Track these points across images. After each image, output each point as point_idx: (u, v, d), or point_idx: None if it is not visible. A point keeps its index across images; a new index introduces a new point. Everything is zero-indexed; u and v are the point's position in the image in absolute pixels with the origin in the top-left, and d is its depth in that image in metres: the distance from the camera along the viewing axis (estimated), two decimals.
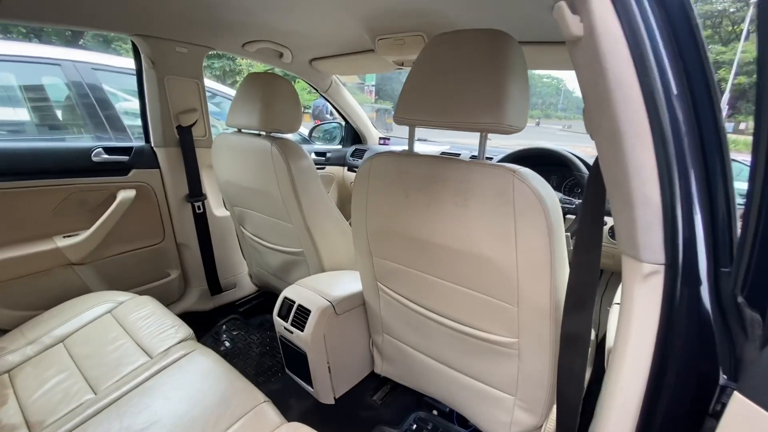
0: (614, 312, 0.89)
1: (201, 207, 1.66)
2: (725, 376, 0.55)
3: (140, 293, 1.32)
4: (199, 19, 1.27)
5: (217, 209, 1.76)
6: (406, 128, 0.91)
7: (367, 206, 0.98)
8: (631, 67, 0.47)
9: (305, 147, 2.23)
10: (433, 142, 2.36)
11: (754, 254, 0.48)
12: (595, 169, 0.61)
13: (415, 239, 0.90)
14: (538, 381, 0.89)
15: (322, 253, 1.38)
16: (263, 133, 1.30)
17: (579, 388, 0.76)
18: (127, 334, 1.14)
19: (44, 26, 1.80)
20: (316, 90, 2.00)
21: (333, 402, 1.25)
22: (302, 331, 1.13)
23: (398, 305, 1.08)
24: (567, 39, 0.51)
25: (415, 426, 1.28)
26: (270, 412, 0.89)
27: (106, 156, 1.41)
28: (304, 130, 2.60)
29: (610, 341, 0.77)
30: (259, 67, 1.76)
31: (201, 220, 1.67)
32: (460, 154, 2.04)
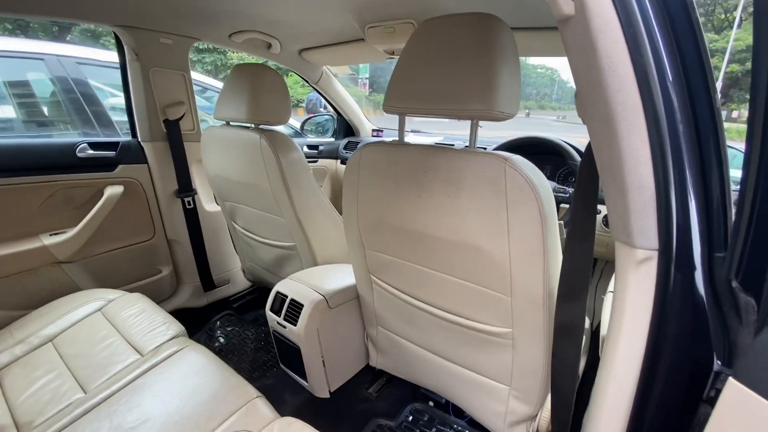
0: (608, 300, 0.88)
1: (191, 202, 1.63)
2: (719, 362, 0.55)
3: (131, 291, 1.30)
4: (183, 9, 1.24)
5: (207, 204, 1.73)
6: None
7: (358, 198, 0.96)
8: (624, 47, 0.46)
9: (297, 140, 2.20)
10: (426, 133, 2.34)
11: (748, 238, 0.47)
12: (587, 154, 0.60)
13: (407, 231, 0.89)
14: (532, 371, 0.89)
15: (315, 246, 1.37)
16: (252, 125, 1.27)
17: (573, 376, 0.75)
18: (117, 332, 1.12)
19: (23, 18, 1.74)
20: (307, 82, 1.97)
21: (328, 396, 1.24)
22: (295, 325, 1.12)
23: (392, 298, 1.07)
24: (558, 18, 0.50)
25: (411, 417, 1.27)
26: (263, 407, 0.88)
27: (91, 152, 1.37)
28: (296, 123, 2.57)
29: (604, 330, 0.76)
30: (250, 60, 1.73)
31: (191, 216, 1.65)
32: (453, 145, 2.03)
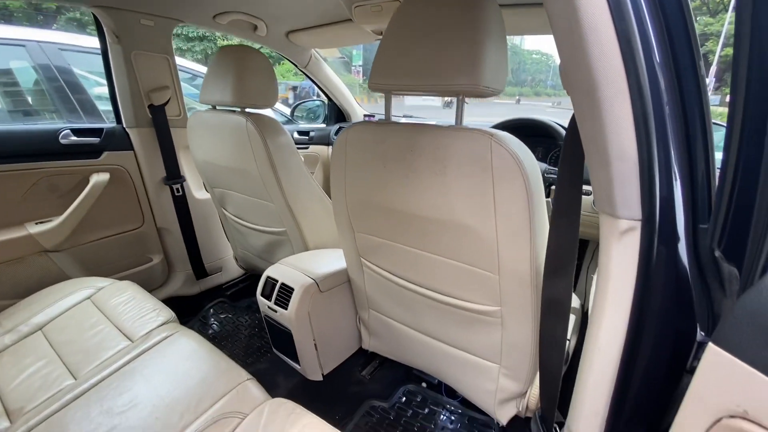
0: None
1: (180, 189, 1.61)
2: (702, 333, 0.55)
3: (122, 279, 1.29)
4: None
5: (197, 192, 1.71)
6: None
7: (345, 179, 0.95)
8: (607, 11, 0.44)
9: (288, 127, 2.17)
10: (417, 118, 2.32)
11: (731, 206, 0.47)
12: (571, 126, 0.59)
13: (395, 211, 0.88)
14: (521, 348, 0.89)
15: (306, 232, 1.36)
16: (238, 109, 1.25)
17: (560, 352, 0.76)
18: (107, 319, 1.12)
19: (1, 1, 1.69)
20: (296, 66, 1.93)
21: (321, 379, 1.25)
22: (286, 309, 1.12)
23: (383, 280, 1.07)
24: None
25: (404, 399, 1.29)
26: (254, 389, 0.89)
27: (75, 138, 1.35)
28: (285, 109, 2.54)
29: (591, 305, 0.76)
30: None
31: (181, 203, 1.63)
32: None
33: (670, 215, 0.51)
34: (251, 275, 1.98)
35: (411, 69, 0.74)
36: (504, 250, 0.76)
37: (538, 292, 0.78)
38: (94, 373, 0.94)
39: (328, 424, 0.79)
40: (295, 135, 2.31)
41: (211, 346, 1.01)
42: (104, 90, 2.18)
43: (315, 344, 1.18)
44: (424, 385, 1.33)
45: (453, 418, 1.22)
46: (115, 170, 1.46)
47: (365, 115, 2.36)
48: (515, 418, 1.04)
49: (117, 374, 0.93)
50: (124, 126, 1.49)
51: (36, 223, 1.33)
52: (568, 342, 1.05)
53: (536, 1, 1.12)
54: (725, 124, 0.47)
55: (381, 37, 1.51)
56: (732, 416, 0.39)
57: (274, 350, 1.32)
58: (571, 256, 0.68)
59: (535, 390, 0.96)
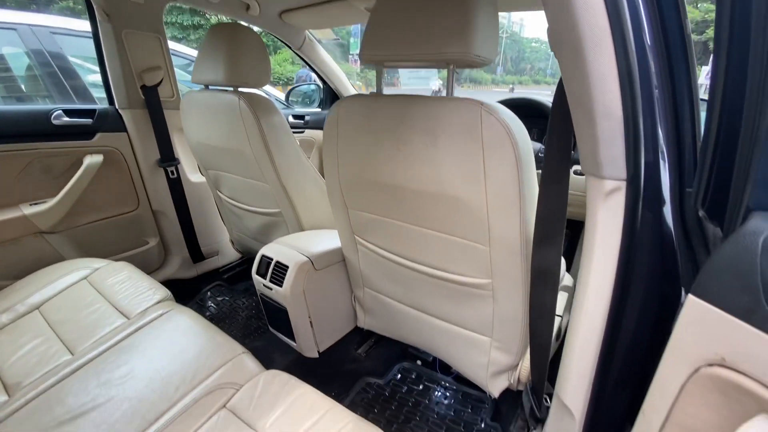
0: None
1: (174, 172, 1.60)
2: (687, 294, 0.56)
3: (119, 261, 1.29)
4: None
5: (192, 175, 1.71)
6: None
7: (338, 154, 0.95)
8: None
9: (283, 112, 2.15)
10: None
11: (714, 165, 0.47)
12: (558, 90, 0.59)
13: (387, 186, 0.88)
14: (512, 321, 0.90)
15: (300, 212, 1.36)
16: (231, 88, 1.24)
17: (550, 322, 0.77)
18: (103, 299, 1.13)
19: None
20: (290, 48, 1.91)
21: (317, 356, 1.27)
22: (281, 286, 1.13)
23: (376, 257, 1.08)
24: None
25: (399, 376, 1.31)
26: (249, 361, 0.90)
27: (67, 119, 1.34)
28: (280, 94, 2.52)
29: None
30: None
31: (176, 186, 1.63)
32: None
33: (655, 176, 0.51)
34: (248, 259, 1.99)
35: (402, 39, 0.74)
36: (494, 221, 0.76)
37: (528, 262, 0.79)
38: (92, 348, 0.95)
39: (322, 394, 0.80)
40: (291, 119, 2.29)
41: (206, 322, 1.02)
42: (97, 77, 2.17)
43: (310, 322, 1.20)
44: (419, 362, 1.35)
45: (447, 394, 1.24)
46: (109, 152, 1.45)
47: None
48: (507, 392, 1.05)
49: (114, 349, 0.95)
50: (117, 107, 1.48)
51: (31, 204, 1.33)
52: (560, 319, 1.07)
53: None
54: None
55: None
56: (710, 365, 0.40)
57: (271, 329, 1.33)
58: (560, 224, 0.68)
59: (526, 363, 0.97)
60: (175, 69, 1.59)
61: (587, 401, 0.65)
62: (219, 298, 1.77)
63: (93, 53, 1.48)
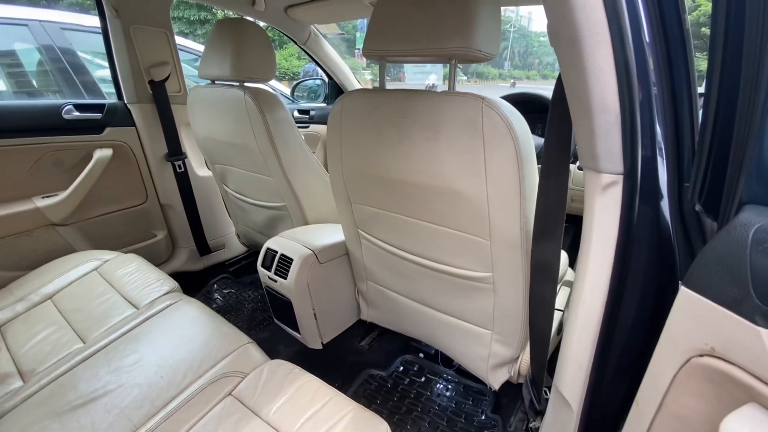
0: None
1: (182, 166, 1.63)
2: None
3: (128, 253, 1.32)
4: None
5: (199, 169, 1.73)
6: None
7: (341, 149, 0.96)
8: None
9: (288, 107, 2.17)
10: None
11: (710, 159, 0.47)
12: (558, 87, 0.60)
13: (389, 180, 0.89)
14: (512, 314, 0.91)
15: (305, 206, 1.38)
16: (237, 83, 1.26)
17: (549, 315, 0.78)
18: (113, 289, 1.16)
19: None
20: (296, 43, 1.92)
21: (321, 347, 1.29)
22: (286, 279, 1.15)
23: (379, 251, 1.09)
24: None
25: (401, 368, 1.33)
26: (254, 351, 0.92)
27: (77, 113, 1.36)
28: (286, 89, 2.53)
29: None
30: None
31: (183, 180, 1.65)
32: None
33: (652, 170, 0.52)
34: (254, 252, 2.02)
35: (404, 34, 0.75)
36: (495, 215, 0.77)
37: (528, 256, 0.79)
38: (102, 337, 0.98)
39: (325, 383, 0.82)
40: (296, 114, 2.31)
41: (213, 312, 1.05)
42: (105, 73, 2.20)
43: (315, 314, 1.22)
44: (421, 355, 1.37)
45: (449, 386, 1.26)
46: (118, 146, 1.48)
47: None
48: (508, 385, 1.07)
49: (123, 338, 0.97)
50: (126, 102, 1.50)
51: (43, 197, 1.36)
52: (562, 314, 1.07)
53: None
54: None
55: None
56: (700, 355, 0.41)
57: (276, 320, 1.36)
58: (560, 218, 0.69)
59: (526, 356, 0.98)
60: (182, 64, 1.61)
61: (584, 393, 0.66)
62: (225, 291, 1.80)
63: (102, 49, 1.51)
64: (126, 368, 0.88)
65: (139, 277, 1.20)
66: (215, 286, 1.82)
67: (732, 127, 0.43)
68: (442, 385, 1.27)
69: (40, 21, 2.00)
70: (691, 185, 0.52)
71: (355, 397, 1.21)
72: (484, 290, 0.92)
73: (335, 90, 2.28)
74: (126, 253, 1.33)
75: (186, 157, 1.65)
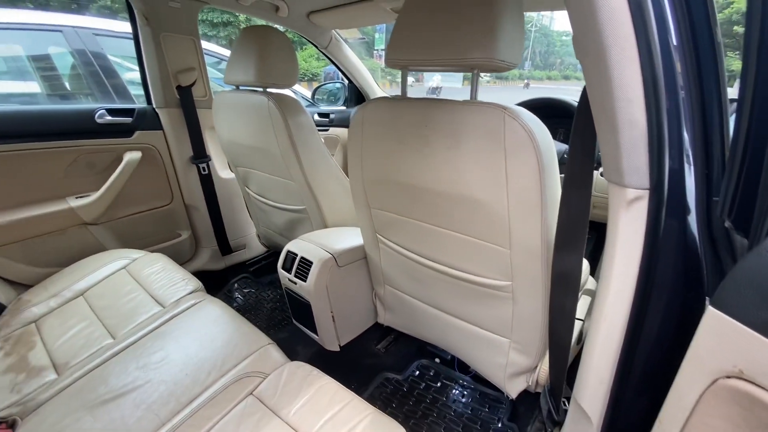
0: None
1: (206, 168, 1.68)
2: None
3: (154, 252, 1.37)
4: None
5: (222, 171, 1.78)
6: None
7: (362, 155, 0.97)
8: None
9: (309, 110, 2.20)
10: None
11: (741, 175, 0.46)
12: (583, 98, 0.59)
13: (409, 186, 0.90)
14: (531, 323, 0.91)
15: (325, 210, 1.40)
16: (260, 89, 1.29)
17: (570, 326, 0.77)
18: (140, 287, 1.20)
19: None
20: (316, 47, 1.95)
21: (338, 349, 1.31)
22: (305, 281, 1.17)
23: (397, 256, 1.10)
24: None
25: (417, 372, 1.33)
26: (274, 352, 0.94)
27: (110, 118, 1.42)
28: (306, 92, 2.56)
29: None
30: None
31: (207, 182, 1.70)
32: None
33: (679, 184, 0.51)
34: (273, 253, 2.06)
35: (426, 44, 0.75)
36: (515, 225, 0.77)
37: (549, 266, 0.79)
38: (131, 333, 1.02)
39: (343, 386, 0.84)
40: (316, 117, 2.34)
41: (235, 312, 1.07)
42: (135, 75, 2.27)
43: (333, 316, 1.23)
44: (437, 360, 1.37)
45: (465, 392, 1.26)
46: (146, 149, 1.54)
47: None
48: (525, 393, 1.06)
49: (151, 335, 1.01)
50: (154, 106, 1.56)
51: (76, 198, 1.42)
52: (583, 323, 1.06)
53: None
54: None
55: None
56: (728, 377, 0.41)
57: (294, 321, 1.38)
58: (582, 228, 0.68)
59: (545, 365, 0.97)
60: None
61: (605, 407, 0.65)
62: (245, 290, 1.84)
63: (130, 52, 1.56)
64: (153, 365, 0.91)
65: (164, 276, 1.24)
66: (235, 285, 1.87)
67: (766, 138, 0.42)
68: (457, 391, 1.26)
69: (74, 27, 2.09)
70: (721, 200, 0.51)
71: (371, 399, 1.22)
72: (502, 298, 0.92)
73: (355, 93, 2.30)
74: (152, 252, 1.38)
75: (210, 160, 1.69)
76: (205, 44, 2.27)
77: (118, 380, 0.87)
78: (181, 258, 1.76)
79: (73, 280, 1.25)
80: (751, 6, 0.42)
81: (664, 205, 0.51)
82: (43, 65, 2.27)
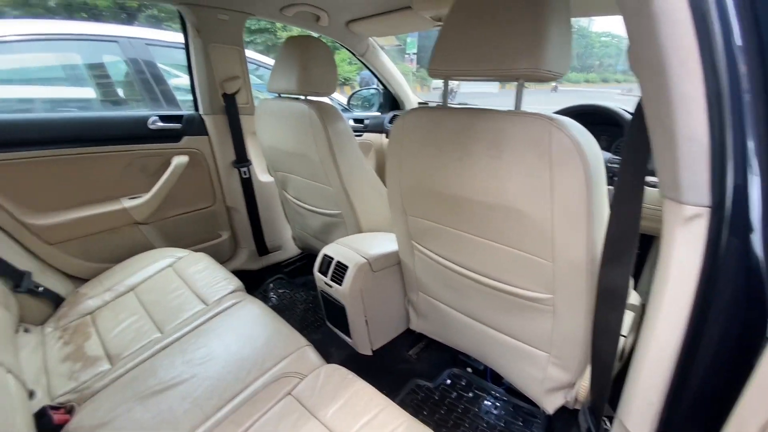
0: None
1: (247, 172, 1.75)
2: None
3: (197, 251, 1.44)
4: None
5: (261, 175, 1.85)
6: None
7: (401, 163, 0.98)
8: None
9: (344, 115, 2.24)
10: (474, 105, 2.28)
11: None
12: (637, 110, 0.57)
13: (448, 195, 0.90)
14: (572, 338, 0.88)
15: (360, 215, 1.42)
16: (302, 97, 1.33)
17: (614, 343, 0.74)
18: (185, 285, 1.27)
19: None
20: (354, 54, 1.99)
21: (371, 353, 1.32)
22: (341, 285, 1.19)
23: (433, 264, 1.10)
24: None
25: (449, 381, 1.32)
26: (311, 354, 0.97)
27: (161, 124, 1.51)
28: (342, 98, 2.61)
29: None
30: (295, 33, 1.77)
31: (247, 185, 1.77)
32: None
33: (743, 200, 0.48)
34: (307, 255, 2.11)
35: (470, 54, 0.75)
36: (559, 237, 0.75)
37: (594, 280, 0.76)
38: (177, 329, 1.08)
39: (378, 392, 0.84)
40: (351, 123, 2.38)
41: (274, 313, 1.11)
42: (180, 81, 2.39)
43: (366, 320, 1.25)
44: (469, 370, 1.35)
45: (498, 404, 1.24)
46: (193, 153, 1.62)
47: (419, 104, 2.37)
48: (562, 409, 1.03)
49: (195, 332, 1.06)
50: (201, 113, 1.64)
51: (129, 198, 1.52)
52: (625, 339, 1.02)
53: None
54: None
55: (440, 23, 1.52)
56: None
57: (328, 323, 1.41)
58: (631, 244, 0.66)
59: (585, 381, 0.94)
60: None
61: (654, 431, 0.62)
62: (280, 291, 1.90)
63: (176, 60, 1.65)
64: (197, 360, 0.96)
65: (207, 275, 1.30)
66: (271, 285, 1.93)
67: None
68: (490, 403, 1.24)
69: (128, 38, 2.23)
70: None
71: (402, 405, 1.21)
72: (542, 311, 0.90)
73: (390, 100, 2.32)
74: (195, 251, 1.45)
75: (250, 164, 1.76)
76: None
77: (166, 373, 0.92)
78: (221, 257, 1.83)
79: (125, 276, 1.33)
80: None
81: (727, 223, 0.49)
82: (98, 73, 2.44)
